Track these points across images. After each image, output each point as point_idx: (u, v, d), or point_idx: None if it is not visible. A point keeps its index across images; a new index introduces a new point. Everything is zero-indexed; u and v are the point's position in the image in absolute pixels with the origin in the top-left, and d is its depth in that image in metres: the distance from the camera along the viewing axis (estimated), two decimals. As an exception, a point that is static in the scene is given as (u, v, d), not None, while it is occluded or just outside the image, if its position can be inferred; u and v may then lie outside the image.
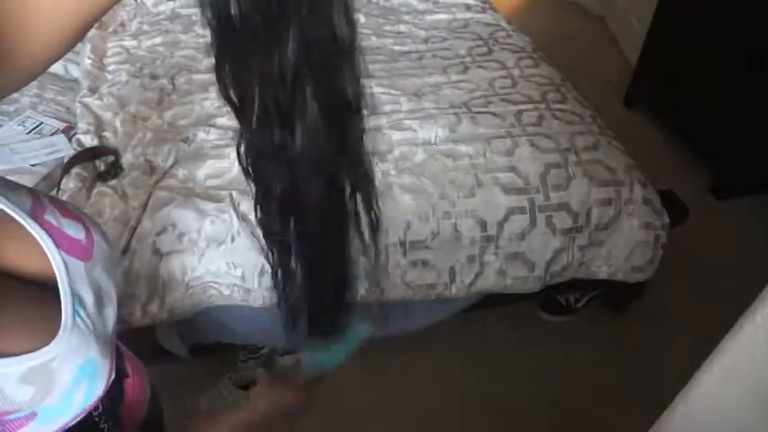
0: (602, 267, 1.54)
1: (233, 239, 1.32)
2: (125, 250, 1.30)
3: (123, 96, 1.75)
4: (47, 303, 0.49)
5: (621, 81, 2.76)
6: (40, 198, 0.52)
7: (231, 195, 1.37)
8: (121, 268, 1.28)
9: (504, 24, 2.18)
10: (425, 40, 2.07)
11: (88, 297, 0.53)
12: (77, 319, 0.50)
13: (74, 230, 0.54)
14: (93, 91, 1.80)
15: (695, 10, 2.29)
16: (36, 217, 0.50)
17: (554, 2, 3.64)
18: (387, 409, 1.60)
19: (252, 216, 1.34)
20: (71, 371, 0.48)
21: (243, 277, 1.33)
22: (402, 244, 1.39)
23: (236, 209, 1.35)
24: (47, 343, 0.46)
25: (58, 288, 0.50)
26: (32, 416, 0.46)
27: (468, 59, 1.94)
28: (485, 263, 1.45)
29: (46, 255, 0.49)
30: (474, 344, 1.76)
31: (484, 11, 2.28)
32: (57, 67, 2.00)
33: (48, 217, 0.51)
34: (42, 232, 0.49)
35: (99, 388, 0.52)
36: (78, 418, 0.49)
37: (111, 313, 0.56)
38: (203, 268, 1.32)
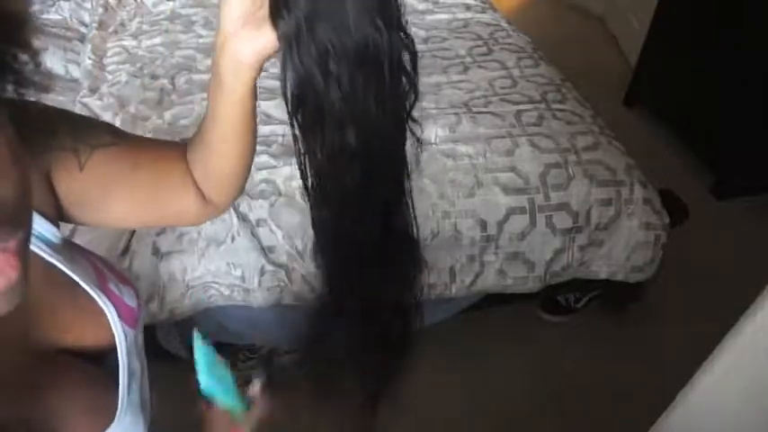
0: (603, 267, 1.53)
1: (233, 239, 1.32)
2: (125, 250, 1.30)
3: (123, 96, 1.75)
4: (103, 382, 0.48)
5: (621, 81, 2.76)
6: (97, 265, 0.51)
7: (231, 195, 1.37)
8: (121, 269, 1.28)
9: (504, 24, 2.18)
10: (425, 40, 2.07)
11: (137, 367, 0.52)
12: (131, 395, 0.49)
13: (130, 299, 0.53)
14: (93, 91, 1.80)
15: (695, 10, 2.29)
16: (104, 289, 0.49)
17: (554, 2, 3.64)
18: (386, 409, 1.60)
19: (252, 216, 1.34)
20: None
21: (243, 277, 1.33)
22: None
23: (236, 209, 1.35)
24: (107, 426, 0.46)
25: (110, 360, 0.49)
26: None
27: (468, 59, 1.94)
28: (485, 263, 1.45)
29: (106, 327, 0.48)
30: (474, 344, 1.76)
31: (484, 11, 2.28)
32: (57, 67, 2.00)
33: (111, 287, 0.50)
34: (110, 306, 0.48)
35: None
36: None
37: (146, 380, 0.55)
38: (203, 268, 1.32)
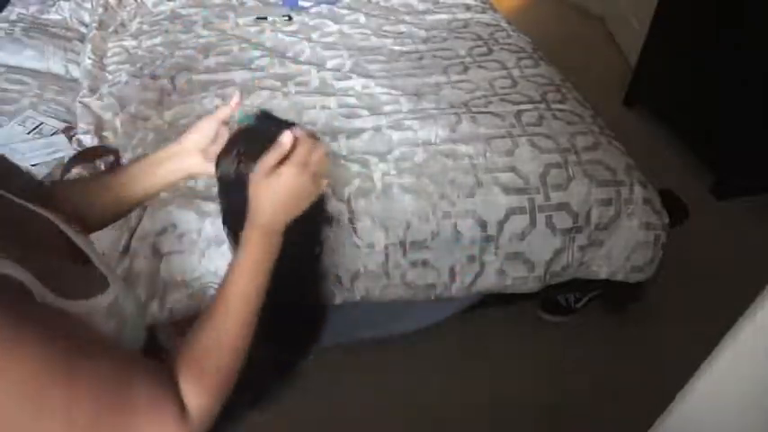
0: (603, 267, 1.53)
1: (233, 239, 1.32)
2: (125, 250, 1.30)
3: (123, 96, 1.75)
4: (79, 268, 0.59)
5: (621, 81, 2.76)
6: None
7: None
8: (121, 268, 1.28)
9: (504, 24, 2.18)
10: (425, 40, 2.07)
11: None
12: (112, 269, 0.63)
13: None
14: (94, 91, 1.80)
15: (695, 10, 2.29)
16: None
17: (554, 2, 3.64)
18: (387, 409, 1.60)
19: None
20: (130, 307, 0.61)
21: (243, 277, 1.33)
22: (402, 244, 1.39)
23: (236, 209, 1.35)
24: (106, 287, 0.57)
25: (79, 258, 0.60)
26: None
27: (468, 59, 1.94)
28: (485, 263, 1.45)
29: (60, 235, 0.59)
30: (474, 344, 1.76)
31: (484, 11, 2.28)
32: (57, 67, 2.00)
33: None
34: (50, 214, 0.59)
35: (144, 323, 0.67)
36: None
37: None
38: (203, 268, 1.32)
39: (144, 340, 0.65)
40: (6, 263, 0.45)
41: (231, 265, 0.63)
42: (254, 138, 0.68)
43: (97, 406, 0.44)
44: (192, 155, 0.75)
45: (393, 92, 1.75)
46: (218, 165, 0.71)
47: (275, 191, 0.63)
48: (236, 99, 0.75)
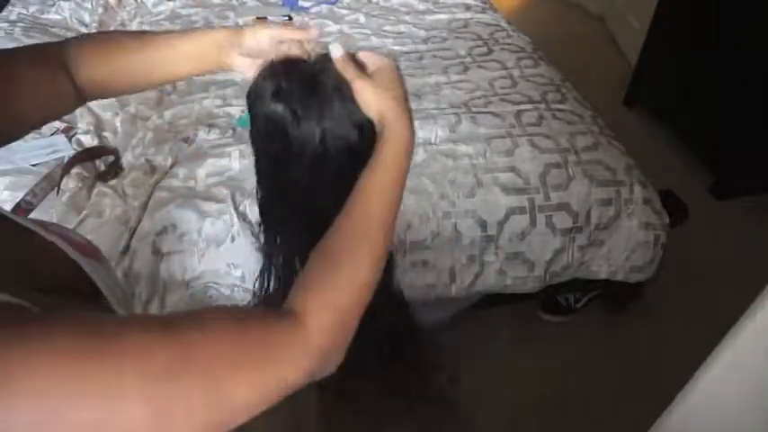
0: (603, 267, 1.53)
1: (233, 240, 1.32)
2: (125, 250, 1.30)
3: (123, 96, 1.75)
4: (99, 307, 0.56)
5: (621, 81, 2.77)
6: (34, 222, 0.59)
7: (232, 195, 1.37)
8: (121, 268, 1.28)
9: (504, 24, 2.18)
10: (425, 40, 2.07)
11: (121, 297, 0.60)
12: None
13: (75, 235, 0.60)
14: (94, 91, 1.80)
15: (695, 10, 2.29)
16: (47, 230, 0.56)
17: (554, 2, 3.64)
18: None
19: (252, 216, 1.34)
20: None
21: (243, 277, 1.33)
22: (402, 244, 1.39)
23: (236, 209, 1.35)
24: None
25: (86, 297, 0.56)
26: None
27: (468, 59, 1.94)
28: (485, 263, 1.45)
29: (68, 263, 0.55)
30: (473, 344, 1.76)
31: (484, 11, 2.28)
32: (57, 68, 2.00)
33: (53, 228, 0.58)
34: (57, 238, 0.55)
35: None
36: None
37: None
38: (203, 268, 1.32)
39: None
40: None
41: (359, 184, 0.57)
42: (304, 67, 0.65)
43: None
44: (236, 54, 0.67)
45: (393, 92, 1.75)
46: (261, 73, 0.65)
47: (393, 96, 0.61)
48: (313, 31, 0.67)
